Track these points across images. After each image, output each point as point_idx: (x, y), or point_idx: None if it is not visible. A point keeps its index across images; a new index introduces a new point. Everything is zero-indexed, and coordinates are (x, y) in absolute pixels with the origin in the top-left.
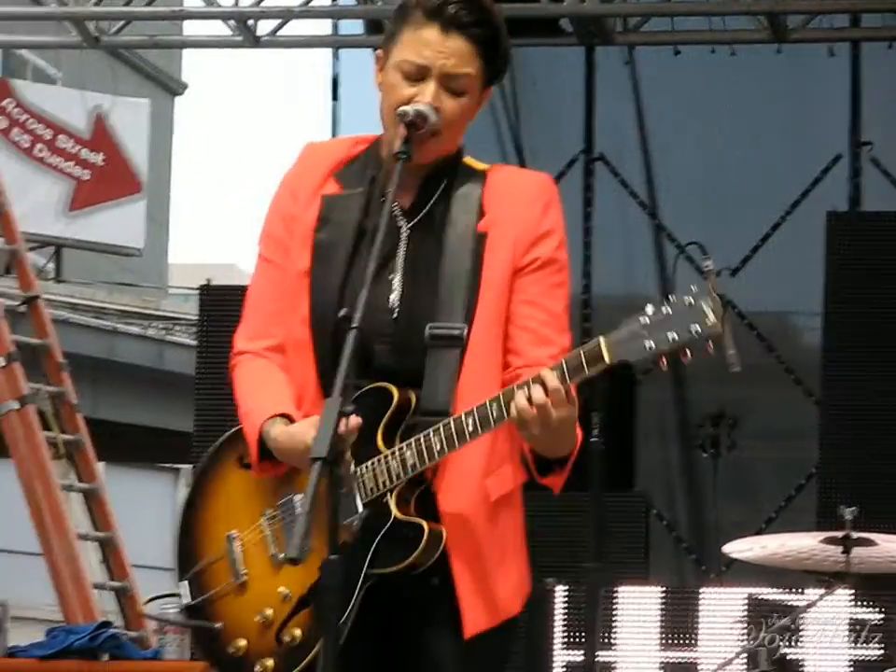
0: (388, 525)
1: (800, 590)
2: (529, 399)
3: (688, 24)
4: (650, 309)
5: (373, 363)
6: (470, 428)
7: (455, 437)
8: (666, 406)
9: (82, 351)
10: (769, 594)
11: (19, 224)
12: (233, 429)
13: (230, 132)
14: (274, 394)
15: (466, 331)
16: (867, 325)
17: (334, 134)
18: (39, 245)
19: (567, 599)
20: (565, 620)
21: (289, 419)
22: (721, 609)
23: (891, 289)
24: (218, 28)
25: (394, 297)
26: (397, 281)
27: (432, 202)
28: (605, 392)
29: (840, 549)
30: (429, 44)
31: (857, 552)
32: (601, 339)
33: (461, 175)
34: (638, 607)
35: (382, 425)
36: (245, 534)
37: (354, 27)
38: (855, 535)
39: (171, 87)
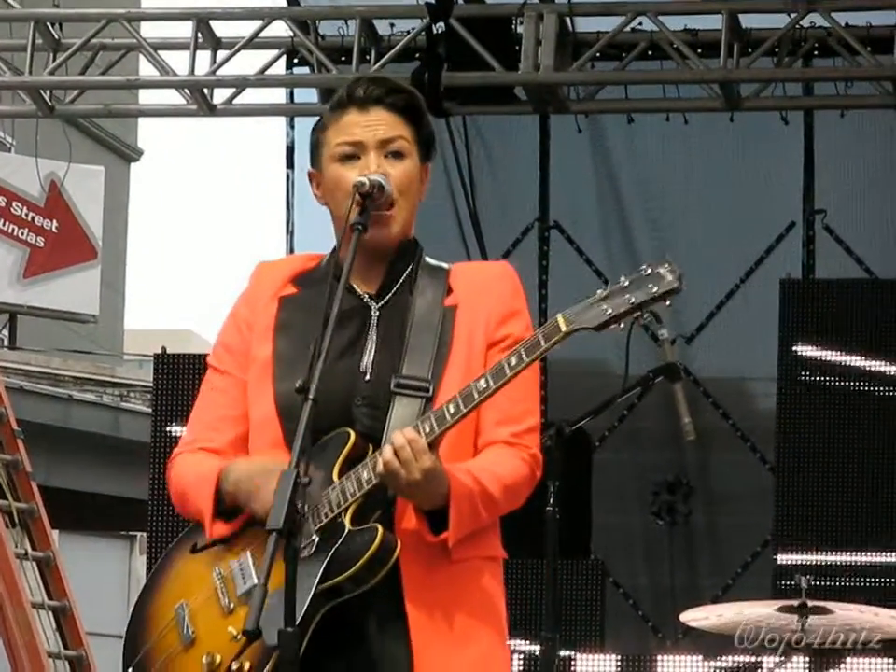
0: (342, 537)
1: (756, 658)
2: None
3: (642, 93)
4: (609, 285)
5: (355, 427)
6: (427, 431)
7: None
8: (622, 472)
9: (37, 418)
10: (725, 661)
11: None
12: (185, 531)
13: (186, 198)
14: (217, 461)
15: (432, 385)
16: (821, 391)
17: (289, 202)
18: None
19: (522, 668)
20: None
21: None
22: None
23: (845, 356)
24: (174, 96)
25: (366, 361)
26: (368, 349)
27: (398, 284)
28: (560, 459)
29: (796, 617)
30: (355, 123)
31: (813, 620)
32: (559, 314)
33: (424, 266)
34: None
35: (338, 462)
36: (194, 599)
37: (309, 95)
38: (811, 603)
39: (127, 154)
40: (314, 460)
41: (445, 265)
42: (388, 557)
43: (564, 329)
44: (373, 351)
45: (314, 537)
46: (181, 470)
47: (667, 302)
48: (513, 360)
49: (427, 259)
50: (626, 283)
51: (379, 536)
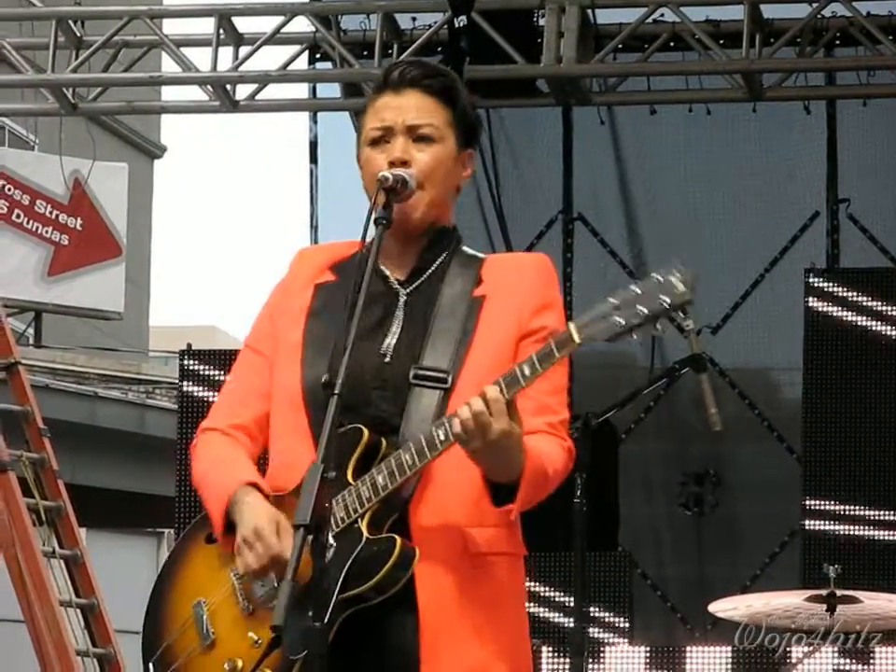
0: (360, 545)
1: (785, 648)
2: (471, 411)
3: (664, 84)
4: (619, 291)
5: (370, 410)
6: (441, 437)
7: (426, 448)
8: (649, 463)
9: (63, 416)
10: (755, 652)
11: None
12: (199, 516)
13: (209, 194)
14: (241, 467)
15: (451, 376)
16: (846, 380)
17: (313, 197)
18: (18, 310)
19: (551, 660)
20: None
21: (258, 488)
22: (707, 667)
23: (869, 345)
24: (197, 93)
25: (387, 344)
26: (391, 333)
27: (430, 271)
28: (587, 452)
29: (824, 607)
30: (387, 107)
31: (841, 609)
32: (570, 323)
33: (459, 254)
34: (624, 666)
35: (352, 462)
36: (212, 597)
37: (331, 90)
38: (839, 593)
39: (150, 150)
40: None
41: (481, 255)
42: (406, 570)
43: (577, 340)
44: (396, 334)
45: (331, 541)
46: (203, 457)
47: (682, 316)
48: (527, 370)
49: (464, 248)
50: (638, 291)
51: (397, 549)
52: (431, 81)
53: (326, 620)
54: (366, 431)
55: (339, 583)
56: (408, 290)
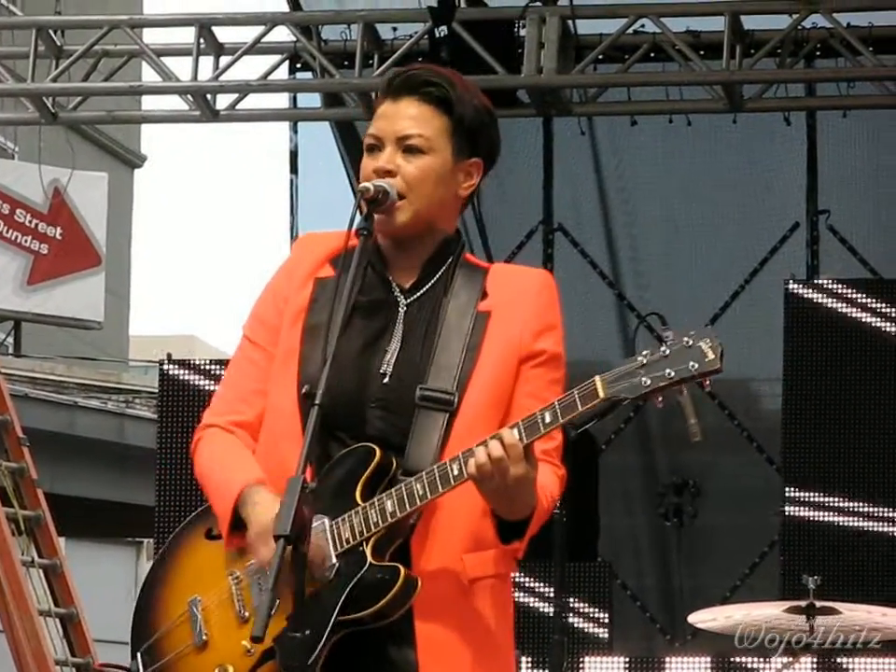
0: (364, 570)
1: (765, 659)
2: (489, 455)
3: (645, 95)
4: (648, 350)
5: (367, 428)
6: (455, 473)
7: (438, 482)
8: (629, 474)
9: (42, 426)
10: (734, 663)
11: None
12: (202, 507)
13: (189, 204)
14: (246, 466)
15: (456, 397)
16: (826, 391)
17: (293, 207)
18: None
19: (531, 670)
20: None
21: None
22: None
23: (849, 356)
24: (177, 102)
25: (387, 362)
26: (391, 349)
27: (432, 281)
28: (567, 462)
29: (804, 618)
30: (383, 116)
31: (821, 620)
32: (597, 377)
33: (463, 265)
34: None
35: (361, 482)
36: (209, 596)
37: (312, 100)
38: (819, 604)
39: (130, 160)
40: (334, 472)
41: (485, 265)
42: (407, 600)
43: (601, 395)
44: (395, 352)
45: (334, 561)
46: (208, 454)
47: (707, 383)
48: (548, 417)
49: (469, 256)
50: (667, 352)
51: (401, 579)
52: (430, 89)
53: (322, 639)
54: (378, 450)
55: (338, 605)
56: (409, 301)
